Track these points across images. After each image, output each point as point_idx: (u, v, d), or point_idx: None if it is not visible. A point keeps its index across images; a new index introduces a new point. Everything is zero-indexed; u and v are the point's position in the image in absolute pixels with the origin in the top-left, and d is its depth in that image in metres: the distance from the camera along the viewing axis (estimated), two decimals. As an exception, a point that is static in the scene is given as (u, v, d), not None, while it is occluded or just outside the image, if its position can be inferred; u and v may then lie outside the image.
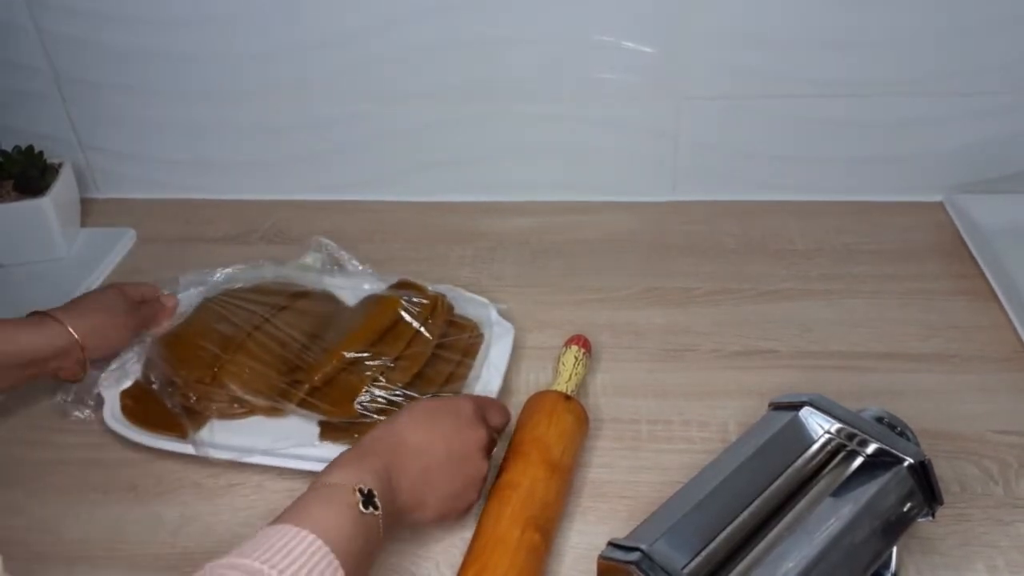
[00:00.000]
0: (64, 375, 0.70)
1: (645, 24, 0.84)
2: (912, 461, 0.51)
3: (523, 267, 0.87)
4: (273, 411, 0.69)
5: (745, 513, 0.51)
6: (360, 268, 0.81)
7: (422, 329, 0.71)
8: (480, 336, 0.74)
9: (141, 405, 0.70)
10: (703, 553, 0.48)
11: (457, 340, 0.73)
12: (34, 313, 0.69)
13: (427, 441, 0.56)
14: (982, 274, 0.80)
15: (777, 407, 0.59)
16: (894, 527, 0.51)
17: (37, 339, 0.67)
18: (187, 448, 0.66)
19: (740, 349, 0.75)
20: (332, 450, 0.61)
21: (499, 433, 0.62)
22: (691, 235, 0.90)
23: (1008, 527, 0.58)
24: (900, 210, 0.91)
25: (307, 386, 0.68)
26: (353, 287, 0.79)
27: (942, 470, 0.54)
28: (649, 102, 0.89)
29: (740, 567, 0.48)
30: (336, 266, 0.82)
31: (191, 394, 0.68)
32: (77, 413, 0.72)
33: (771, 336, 0.76)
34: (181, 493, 0.65)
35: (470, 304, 0.77)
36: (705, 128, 0.90)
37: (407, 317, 0.71)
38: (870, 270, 0.83)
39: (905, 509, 0.51)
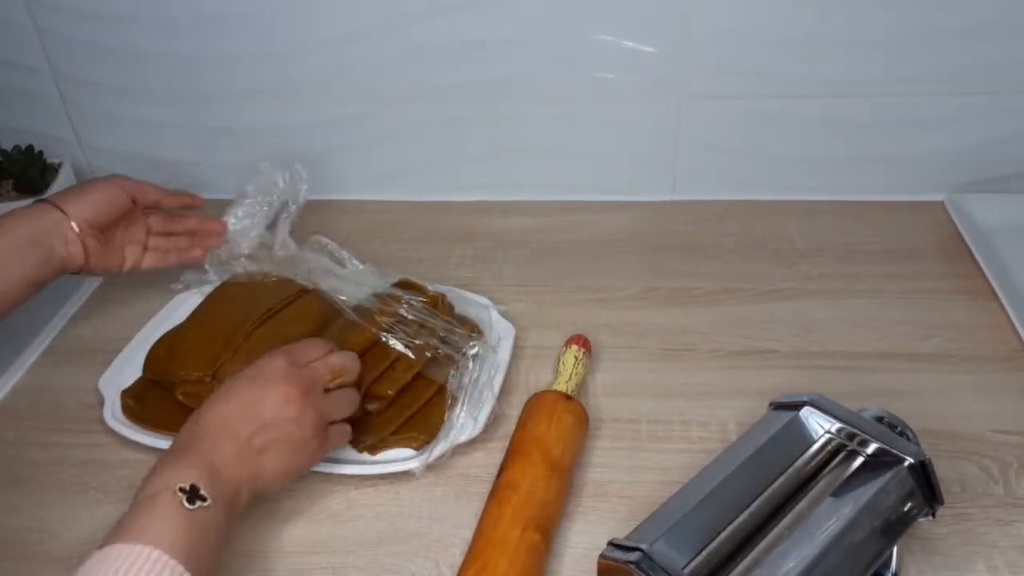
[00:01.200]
0: (70, 261, 0.72)
1: (645, 24, 0.84)
2: (912, 461, 0.51)
3: (523, 267, 0.87)
4: None
5: (745, 513, 0.50)
6: (361, 267, 0.81)
7: (407, 351, 0.68)
8: (479, 334, 0.74)
9: (142, 405, 0.70)
10: (703, 553, 0.48)
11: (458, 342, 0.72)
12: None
13: (232, 415, 0.55)
14: (982, 274, 0.80)
15: (777, 407, 0.59)
16: (894, 527, 0.51)
17: (31, 218, 0.70)
18: None
19: (740, 349, 0.75)
20: (328, 456, 0.62)
21: (336, 371, 0.61)
22: (691, 235, 0.90)
23: (1008, 527, 0.58)
24: (900, 210, 0.91)
25: None
26: (355, 285, 0.78)
27: (942, 470, 0.54)
28: (649, 102, 0.89)
29: (740, 567, 0.48)
30: (337, 264, 0.82)
31: (192, 392, 0.68)
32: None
33: (771, 336, 0.76)
34: (181, 493, 0.65)
35: (470, 305, 0.77)
36: (705, 128, 0.90)
37: (390, 341, 0.69)
38: (870, 270, 0.83)
39: (905, 509, 0.51)
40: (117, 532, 0.47)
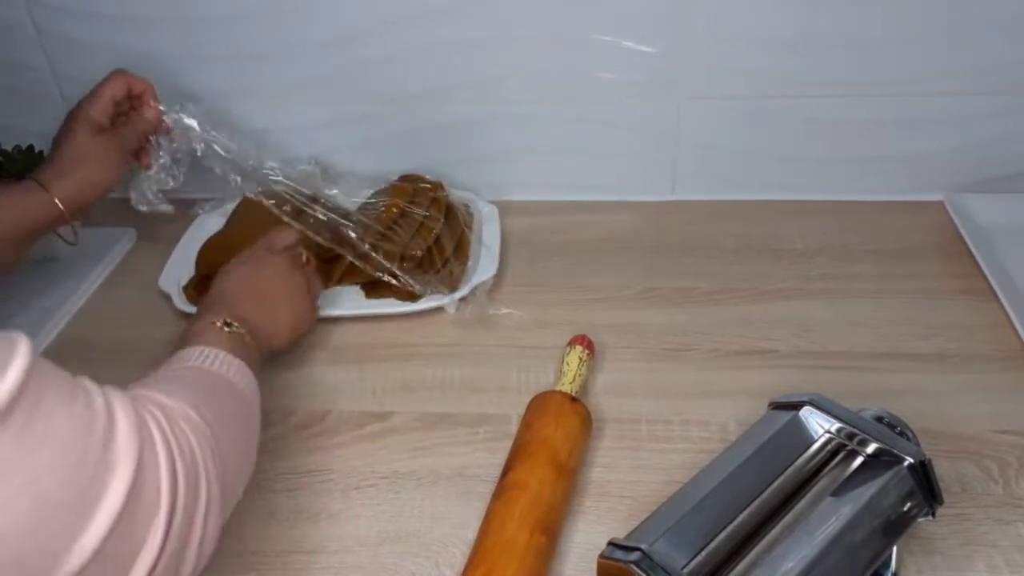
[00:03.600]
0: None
1: (645, 24, 0.84)
2: (912, 461, 0.51)
3: (523, 267, 0.87)
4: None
5: (745, 513, 0.51)
6: (357, 178, 0.88)
7: (427, 213, 0.85)
8: (471, 216, 0.91)
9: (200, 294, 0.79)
10: (703, 553, 0.48)
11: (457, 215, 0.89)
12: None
13: (247, 280, 0.70)
14: (982, 274, 0.80)
15: (777, 407, 0.59)
16: (894, 527, 0.51)
17: (26, 204, 0.72)
18: None
19: (740, 349, 0.75)
20: (379, 304, 0.81)
21: (296, 247, 0.76)
22: (691, 235, 0.90)
23: (1008, 527, 0.58)
24: (900, 210, 0.91)
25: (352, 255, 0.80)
26: (352, 192, 0.87)
27: (942, 470, 0.54)
28: (649, 102, 0.89)
29: (740, 567, 0.48)
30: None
31: None
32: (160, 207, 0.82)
33: (771, 336, 0.76)
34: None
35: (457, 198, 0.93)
36: (705, 128, 0.91)
37: (412, 209, 0.85)
38: (870, 270, 0.83)
39: (905, 509, 0.51)
40: (178, 352, 0.58)
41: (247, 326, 0.63)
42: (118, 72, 0.78)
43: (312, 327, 0.76)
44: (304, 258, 0.76)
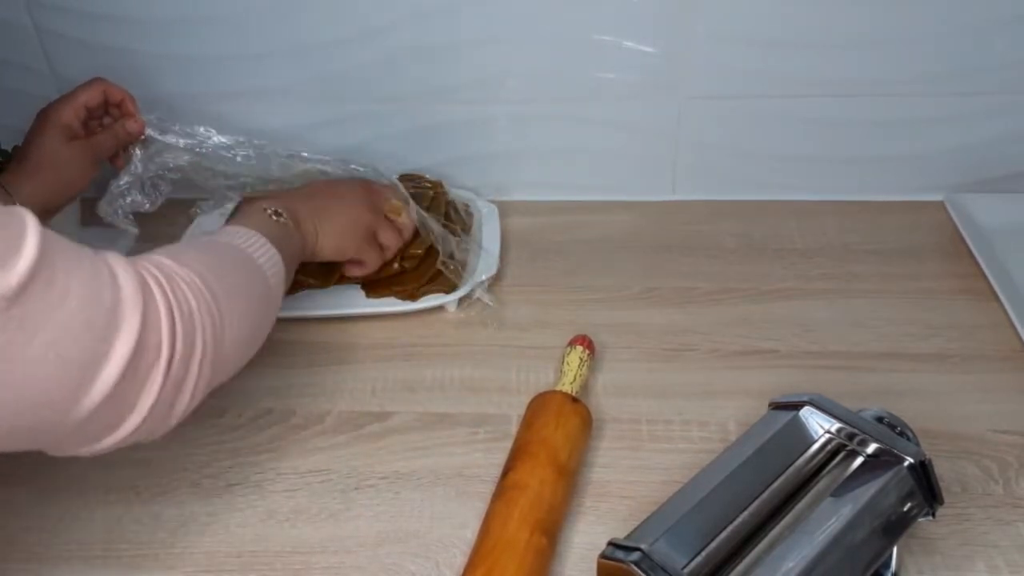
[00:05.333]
0: None
1: (645, 24, 0.84)
2: (912, 461, 0.51)
3: (523, 267, 0.87)
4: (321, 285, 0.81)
5: (745, 513, 0.51)
6: (362, 169, 0.88)
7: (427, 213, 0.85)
8: (471, 216, 0.91)
9: None
10: (703, 553, 0.48)
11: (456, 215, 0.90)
12: None
13: (314, 188, 0.75)
14: (982, 274, 0.80)
15: (777, 407, 0.59)
16: (894, 527, 0.51)
17: None
18: None
19: (740, 349, 0.75)
20: (379, 304, 0.80)
21: (396, 209, 0.79)
22: (691, 235, 0.90)
23: (1008, 527, 0.58)
24: (900, 210, 0.91)
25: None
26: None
27: (942, 470, 0.54)
28: (649, 102, 0.89)
29: (740, 567, 0.48)
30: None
31: None
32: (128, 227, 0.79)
33: (771, 336, 0.76)
34: (180, 493, 0.65)
35: (457, 197, 0.94)
36: (705, 128, 0.90)
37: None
38: (870, 270, 0.83)
39: (905, 509, 0.51)
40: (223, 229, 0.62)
41: (295, 218, 0.68)
42: (97, 79, 0.79)
43: (365, 267, 0.78)
44: (389, 210, 0.79)
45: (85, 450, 0.47)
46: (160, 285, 0.47)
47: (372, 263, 0.78)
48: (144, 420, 0.46)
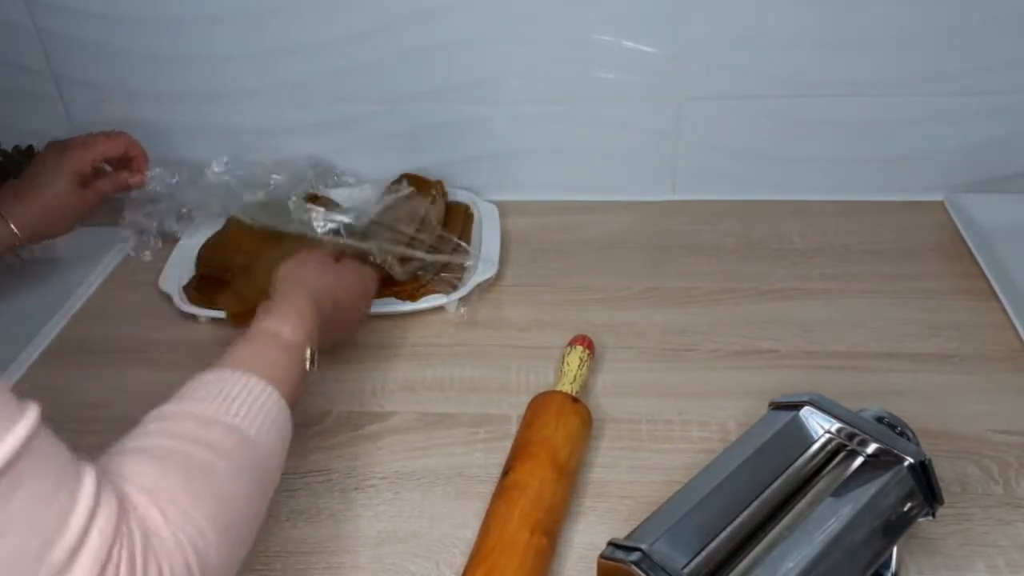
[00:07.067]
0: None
1: (645, 24, 0.84)
2: (912, 461, 0.51)
3: (523, 267, 0.87)
4: None
5: (745, 513, 0.51)
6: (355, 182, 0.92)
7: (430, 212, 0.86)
8: (471, 216, 0.92)
9: (205, 295, 0.83)
10: (703, 553, 0.48)
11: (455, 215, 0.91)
12: None
13: (328, 287, 0.66)
14: (982, 274, 0.80)
15: (777, 407, 0.59)
16: (894, 527, 0.51)
17: None
18: None
19: (740, 349, 0.75)
20: (380, 304, 0.79)
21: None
22: (691, 235, 0.90)
23: (1008, 527, 0.58)
24: (900, 210, 0.91)
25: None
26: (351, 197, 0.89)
27: (942, 470, 0.54)
28: (649, 102, 0.89)
29: (740, 567, 0.48)
30: (333, 176, 0.95)
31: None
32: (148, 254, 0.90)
33: (771, 336, 0.76)
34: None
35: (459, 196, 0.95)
36: (705, 128, 0.90)
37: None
38: (870, 270, 0.83)
39: (905, 509, 0.51)
40: (222, 361, 0.54)
41: (304, 334, 0.60)
42: (122, 134, 0.84)
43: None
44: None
45: None
46: (131, 556, 0.39)
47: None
48: None
